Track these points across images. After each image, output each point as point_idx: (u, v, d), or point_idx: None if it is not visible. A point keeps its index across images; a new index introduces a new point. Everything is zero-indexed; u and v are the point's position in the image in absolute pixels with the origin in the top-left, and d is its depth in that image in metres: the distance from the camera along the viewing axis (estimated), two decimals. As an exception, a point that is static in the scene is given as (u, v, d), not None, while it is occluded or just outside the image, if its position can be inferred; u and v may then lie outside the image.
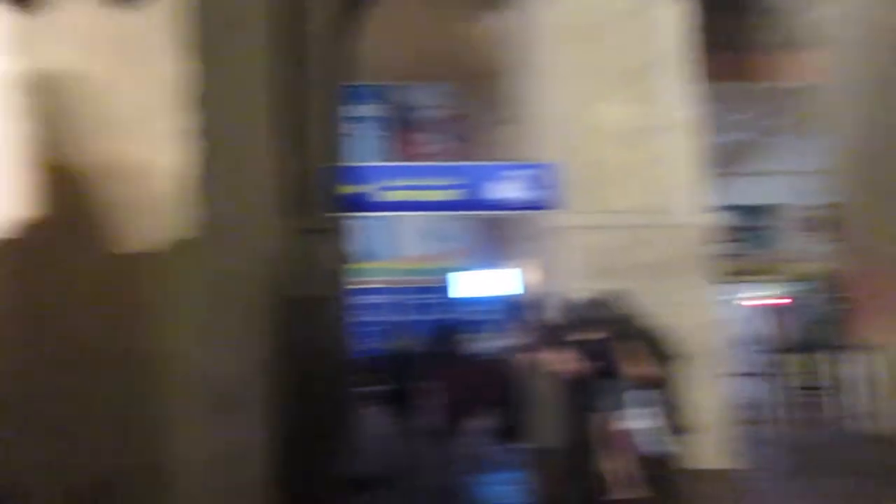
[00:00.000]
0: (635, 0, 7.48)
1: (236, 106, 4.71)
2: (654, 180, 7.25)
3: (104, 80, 3.86)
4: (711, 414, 6.43)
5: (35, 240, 3.63)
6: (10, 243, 3.65)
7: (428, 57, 11.54)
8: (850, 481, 6.15)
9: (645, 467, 5.08)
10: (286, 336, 5.33)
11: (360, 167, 7.52)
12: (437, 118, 13.91)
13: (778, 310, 12.54)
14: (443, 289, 12.84)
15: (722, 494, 5.89)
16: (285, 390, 5.05)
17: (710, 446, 6.19)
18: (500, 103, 9.78)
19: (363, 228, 9.90)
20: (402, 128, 13.79)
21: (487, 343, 9.08)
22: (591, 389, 5.21)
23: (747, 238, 12.25)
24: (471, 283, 12.70)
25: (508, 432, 7.04)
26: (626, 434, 5.12)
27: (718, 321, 7.33)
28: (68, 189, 3.71)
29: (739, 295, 12.17)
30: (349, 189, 7.15)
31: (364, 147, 12.55)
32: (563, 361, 5.31)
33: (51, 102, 3.82)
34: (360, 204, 7.28)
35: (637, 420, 5.12)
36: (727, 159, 10.00)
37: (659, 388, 5.19)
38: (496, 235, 11.96)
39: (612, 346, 5.25)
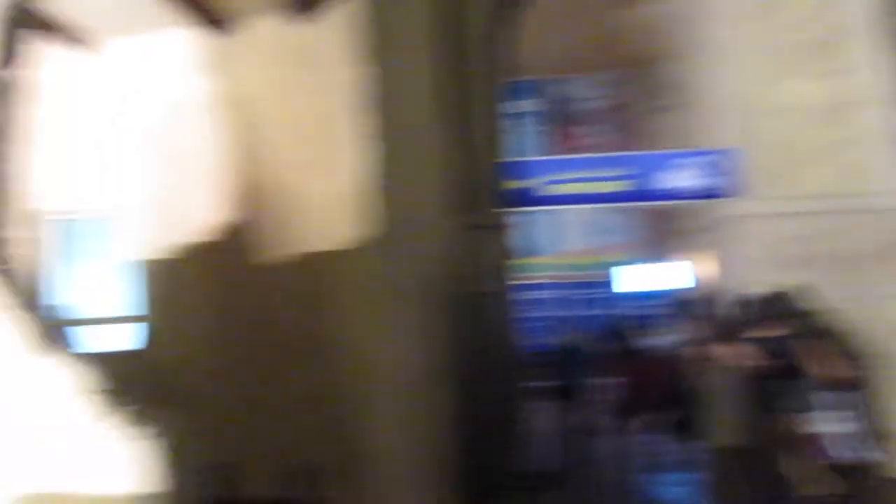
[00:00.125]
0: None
1: (406, 108, 4.87)
2: (849, 161, 6.60)
3: (289, 90, 4.14)
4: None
5: (233, 240, 3.98)
6: (211, 244, 4.03)
7: (585, 47, 11.30)
8: None
9: (837, 474, 4.68)
10: (456, 332, 5.45)
11: (526, 162, 7.52)
12: (596, 109, 13.60)
13: None
14: (608, 283, 12.52)
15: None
16: (457, 386, 5.16)
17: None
18: (663, 89, 9.37)
19: (528, 224, 9.89)
20: (562, 121, 13.62)
21: (658, 339, 8.75)
22: (772, 389, 4.88)
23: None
24: (637, 278, 12.29)
25: (681, 430, 6.76)
26: (815, 438, 4.74)
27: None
28: (261, 193, 4.02)
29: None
30: (515, 184, 7.17)
31: (525, 142, 12.55)
32: (738, 357, 5.00)
33: (244, 114, 4.17)
34: (526, 199, 7.27)
35: (828, 424, 4.73)
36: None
37: (852, 390, 4.76)
38: (664, 227, 11.49)
39: (796, 344, 4.88)
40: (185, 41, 4.37)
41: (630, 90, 12.70)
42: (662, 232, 11.63)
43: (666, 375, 6.79)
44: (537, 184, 7.28)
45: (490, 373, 6.24)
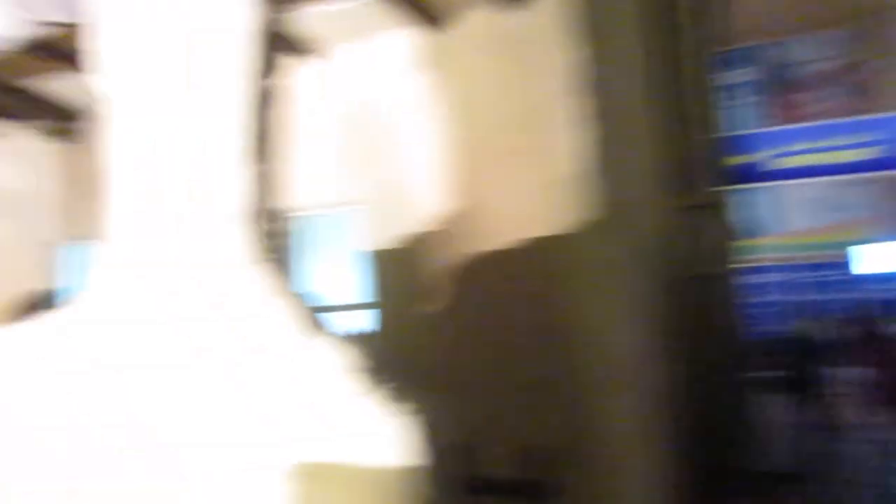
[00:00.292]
0: None
1: (619, 88, 4.74)
2: None
3: (504, 78, 4.20)
4: None
5: (457, 229, 4.12)
6: (436, 234, 4.21)
7: (806, 4, 10.21)
8: None
9: None
10: (677, 317, 5.21)
11: (748, 136, 6.99)
12: (822, 72, 12.24)
13: None
14: (845, 264, 11.27)
15: None
16: (681, 375, 4.94)
17: None
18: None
19: (751, 202, 9.19)
20: (782, 89, 12.45)
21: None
22: None
23: None
24: (881, 257, 10.93)
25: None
26: None
27: None
28: (481, 182, 4.13)
29: None
30: (736, 160, 6.69)
31: (742, 115, 11.66)
32: None
33: (461, 107, 4.29)
34: (748, 175, 6.76)
35: None
36: None
37: None
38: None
39: None
40: (404, 41, 4.61)
41: (862, 47, 11.28)
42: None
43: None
44: (762, 158, 6.72)
45: (715, 361, 5.90)
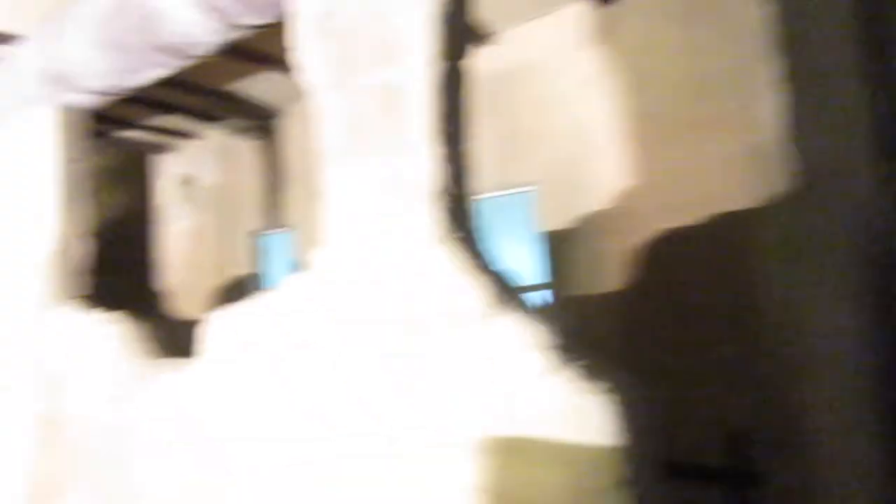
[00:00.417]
0: None
1: (817, 49, 4.35)
2: None
3: (687, 43, 3.99)
4: None
5: (638, 207, 3.98)
6: (616, 212, 4.09)
7: None
8: None
9: None
10: (886, 300, 4.70)
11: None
12: None
13: None
14: None
15: None
16: (893, 354, 4.46)
17: None
18: None
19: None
20: None
21: None
22: None
23: None
24: None
25: None
26: None
27: None
28: (664, 157, 3.95)
29: None
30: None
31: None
32: None
33: (639, 79, 4.13)
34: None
35: None
36: None
37: None
38: None
39: None
40: (575, 18, 4.51)
41: None
42: None
43: None
44: None
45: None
